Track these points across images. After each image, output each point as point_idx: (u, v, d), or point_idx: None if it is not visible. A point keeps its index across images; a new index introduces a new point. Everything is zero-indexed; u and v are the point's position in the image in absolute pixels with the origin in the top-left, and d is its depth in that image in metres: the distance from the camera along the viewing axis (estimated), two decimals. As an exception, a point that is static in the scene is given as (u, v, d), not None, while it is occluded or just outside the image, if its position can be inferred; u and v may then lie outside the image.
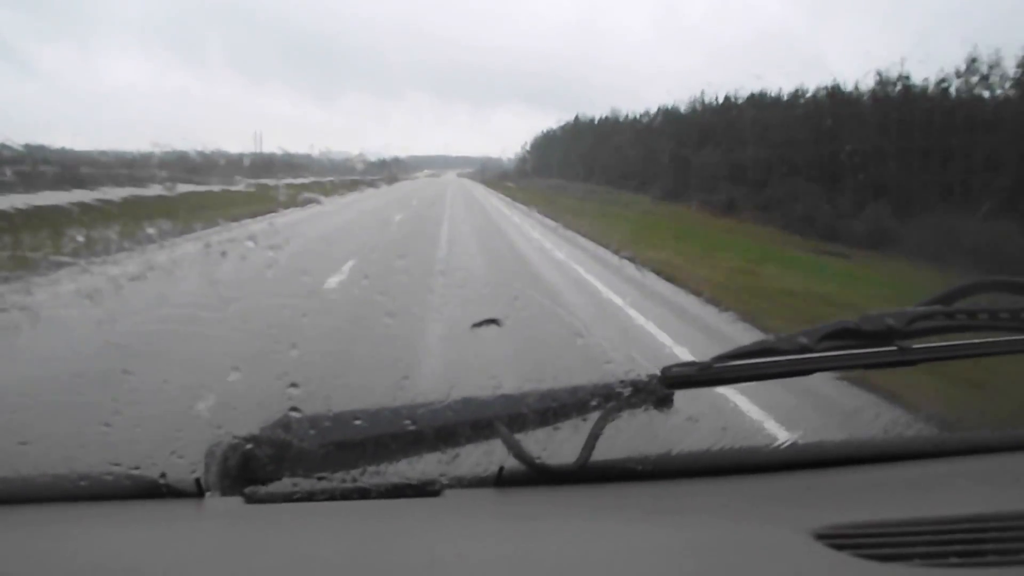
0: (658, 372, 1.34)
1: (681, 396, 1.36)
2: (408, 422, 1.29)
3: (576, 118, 71.74)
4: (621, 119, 58.00)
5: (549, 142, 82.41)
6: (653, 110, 54.78)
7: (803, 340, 1.33)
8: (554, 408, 1.32)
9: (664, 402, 1.34)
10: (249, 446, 1.26)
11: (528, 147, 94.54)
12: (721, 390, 4.44)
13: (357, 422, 1.29)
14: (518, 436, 1.28)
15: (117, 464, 1.31)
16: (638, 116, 54.09)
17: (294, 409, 1.34)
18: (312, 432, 1.27)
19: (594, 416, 1.31)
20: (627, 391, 1.33)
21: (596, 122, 64.67)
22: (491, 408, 1.31)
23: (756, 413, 4.58)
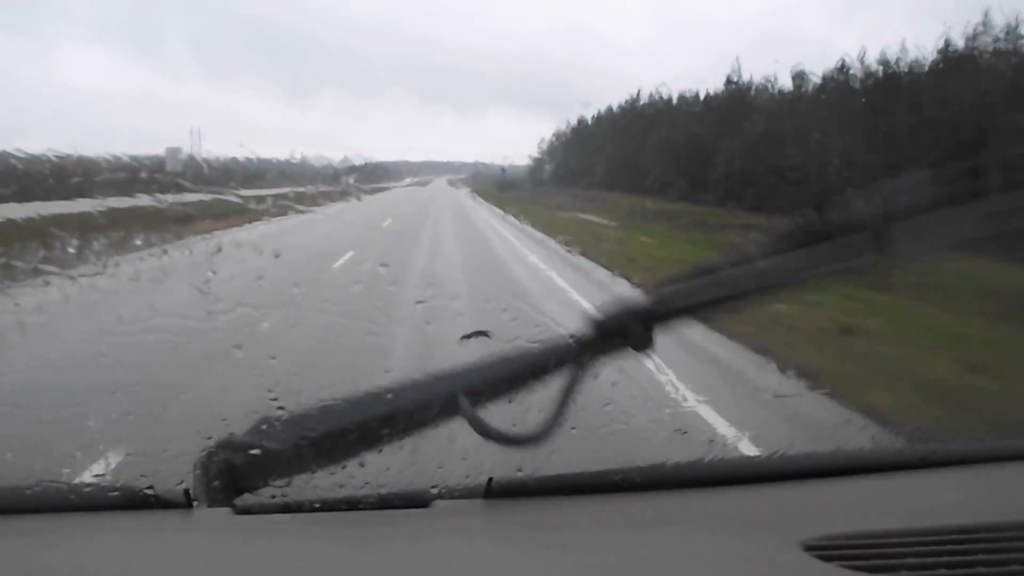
0: (631, 306, 1.20)
1: (673, 408, 1.36)
2: (377, 407, 1.24)
3: (638, 96, 51.10)
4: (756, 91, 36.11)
5: (580, 140, 61.37)
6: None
7: (758, 254, 1.20)
8: (519, 373, 1.23)
9: (643, 343, 1.20)
10: (227, 454, 1.25)
11: (545, 147, 73.40)
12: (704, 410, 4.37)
13: (326, 414, 1.25)
14: (483, 413, 1.22)
15: (104, 475, 1.30)
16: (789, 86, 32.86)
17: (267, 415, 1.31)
18: (286, 431, 1.24)
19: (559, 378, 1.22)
20: (596, 338, 1.20)
21: (688, 100, 43.30)
22: (455, 381, 1.24)
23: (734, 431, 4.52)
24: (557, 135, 76.41)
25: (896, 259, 1.21)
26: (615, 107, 58.59)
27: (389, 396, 1.24)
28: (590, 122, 65.81)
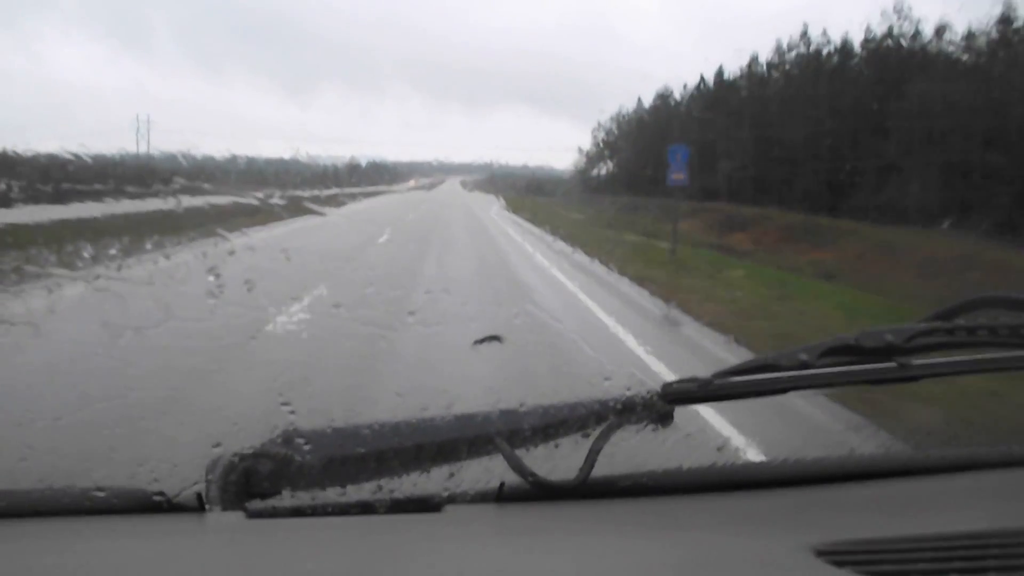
0: (658, 388, 1.35)
1: (681, 413, 1.37)
2: (409, 437, 1.29)
3: (803, 38, 31.79)
4: None
5: (673, 124, 38.16)
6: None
7: (803, 356, 1.34)
8: (554, 424, 1.32)
9: (665, 419, 1.35)
10: (250, 461, 1.27)
11: (602, 137, 50.41)
12: (710, 416, 4.37)
13: (358, 437, 1.30)
14: (518, 452, 1.28)
15: (118, 478, 1.31)
16: None
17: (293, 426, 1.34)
18: (312, 447, 1.27)
19: (594, 432, 1.31)
20: (627, 407, 1.34)
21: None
22: (491, 423, 1.31)
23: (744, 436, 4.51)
24: (619, 120, 51.33)
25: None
26: (747, 63, 36.32)
27: (421, 426, 1.29)
28: (678, 98, 43.02)
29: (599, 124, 54.05)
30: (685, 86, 45.05)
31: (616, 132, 52.07)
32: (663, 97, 47.31)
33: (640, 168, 38.29)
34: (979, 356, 1.44)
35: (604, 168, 49.34)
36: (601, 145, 52.88)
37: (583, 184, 46.54)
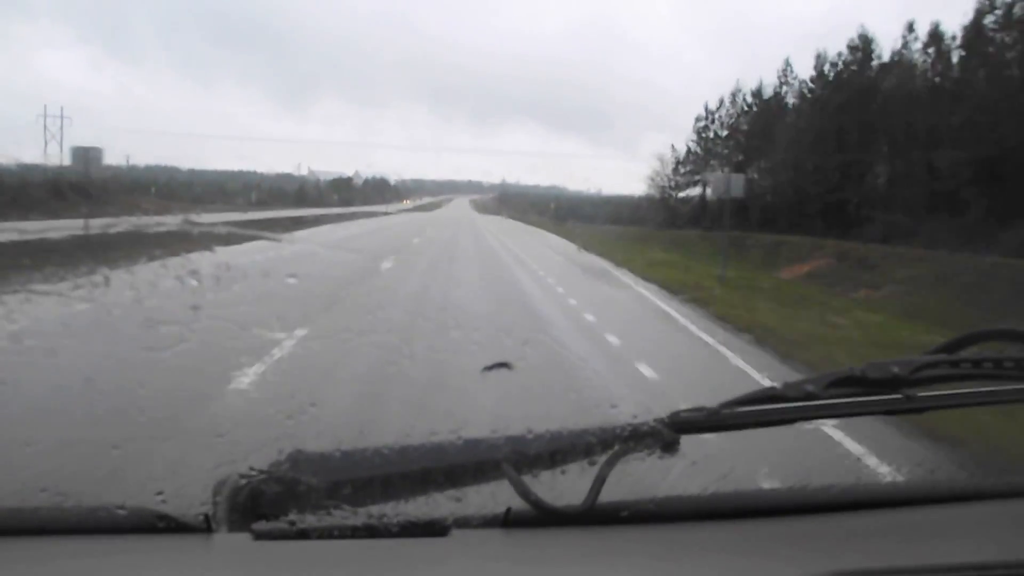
0: (665, 417, 1.36)
1: (687, 440, 1.37)
2: (415, 461, 1.29)
3: None
4: None
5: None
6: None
7: (809, 387, 1.35)
8: (561, 450, 1.33)
9: (670, 447, 1.35)
10: (257, 483, 1.27)
11: (720, 116, 33.46)
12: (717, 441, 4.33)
13: (365, 461, 1.29)
14: (524, 477, 1.28)
15: (126, 498, 1.32)
16: None
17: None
18: (319, 470, 1.27)
19: (601, 459, 1.31)
20: (634, 435, 1.34)
21: None
22: (498, 449, 1.31)
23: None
24: (742, 106, 31.65)
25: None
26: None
27: (428, 450, 1.28)
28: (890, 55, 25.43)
29: (706, 111, 34.25)
30: (915, 28, 24.34)
31: (744, 123, 31.92)
32: (859, 48, 25.26)
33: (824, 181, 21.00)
34: (984, 388, 1.45)
35: (702, 185, 31.39)
36: (697, 144, 32.73)
37: (667, 211, 31.03)
